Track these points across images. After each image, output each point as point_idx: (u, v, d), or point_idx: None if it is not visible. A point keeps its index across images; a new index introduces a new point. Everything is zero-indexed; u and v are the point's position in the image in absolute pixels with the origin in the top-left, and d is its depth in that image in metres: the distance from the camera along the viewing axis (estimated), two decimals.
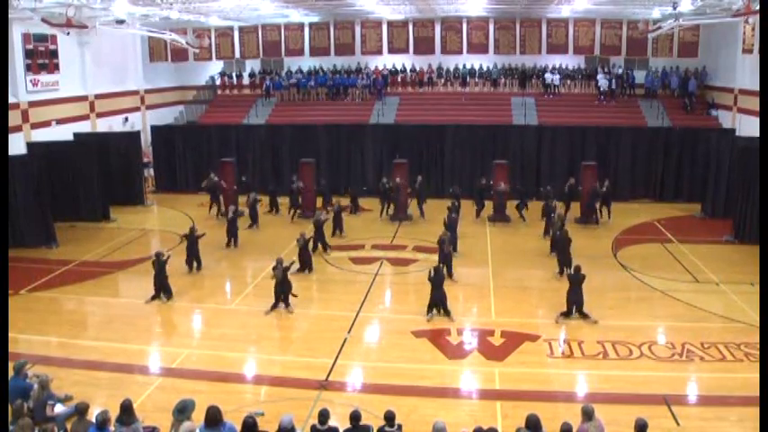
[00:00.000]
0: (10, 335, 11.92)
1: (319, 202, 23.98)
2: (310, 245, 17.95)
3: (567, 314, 13.98)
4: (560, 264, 16.67)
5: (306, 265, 17.23)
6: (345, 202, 23.01)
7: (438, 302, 14.12)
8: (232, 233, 19.61)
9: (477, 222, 22.27)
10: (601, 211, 22.15)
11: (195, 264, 17.40)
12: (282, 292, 14.62)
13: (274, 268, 14.72)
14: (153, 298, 15.24)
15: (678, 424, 9.92)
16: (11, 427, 8.25)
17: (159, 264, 15.15)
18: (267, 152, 27.80)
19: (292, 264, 15.69)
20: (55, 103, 25.94)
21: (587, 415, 8.37)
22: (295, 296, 14.85)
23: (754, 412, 9.52)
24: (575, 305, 13.92)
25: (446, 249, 16.45)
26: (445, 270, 15.55)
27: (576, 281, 13.93)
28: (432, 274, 14.21)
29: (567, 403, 10.48)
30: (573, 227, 20.55)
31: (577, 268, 14.10)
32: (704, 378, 11.56)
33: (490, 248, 19.45)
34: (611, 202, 22.23)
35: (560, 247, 16.88)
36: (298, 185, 22.86)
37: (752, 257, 17.19)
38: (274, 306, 14.60)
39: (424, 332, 13.48)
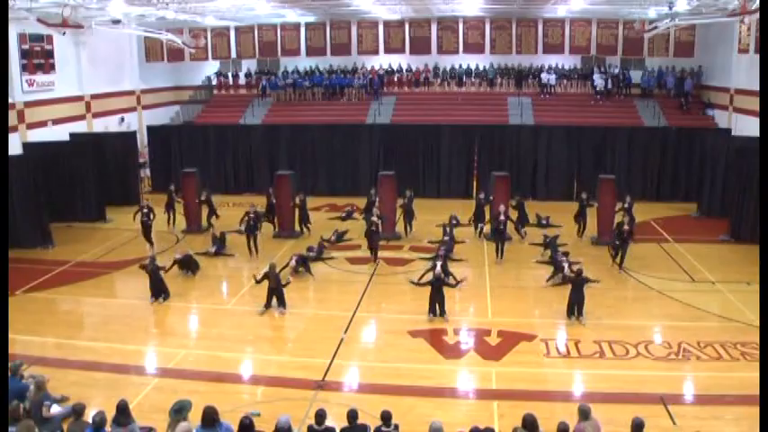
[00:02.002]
0: None
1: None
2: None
3: (569, 314, 13.99)
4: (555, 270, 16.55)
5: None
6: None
7: (437, 303, 14.18)
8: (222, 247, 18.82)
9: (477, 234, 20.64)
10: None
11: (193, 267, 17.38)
12: (277, 294, 14.61)
13: (266, 274, 14.68)
14: (155, 298, 15.26)
15: (674, 423, 9.94)
16: (11, 429, 8.23)
17: (151, 268, 15.19)
18: (264, 152, 27.73)
19: (288, 284, 15.09)
20: (51, 104, 25.88)
21: (584, 414, 8.37)
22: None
23: (750, 411, 9.58)
24: (576, 305, 13.92)
25: (440, 253, 16.64)
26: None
27: (578, 283, 13.93)
28: (432, 278, 14.39)
29: (563, 403, 10.48)
30: (584, 245, 19.46)
31: (579, 272, 14.06)
32: (700, 377, 11.59)
33: (487, 249, 19.43)
34: (634, 223, 18.73)
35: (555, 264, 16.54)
36: (256, 210, 19.08)
37: (748, 257, 17.26)
38: (267, 305, 14.61)
39: (421, 332, 13.49)
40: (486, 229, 20.29)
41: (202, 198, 21.36)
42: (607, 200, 19.72)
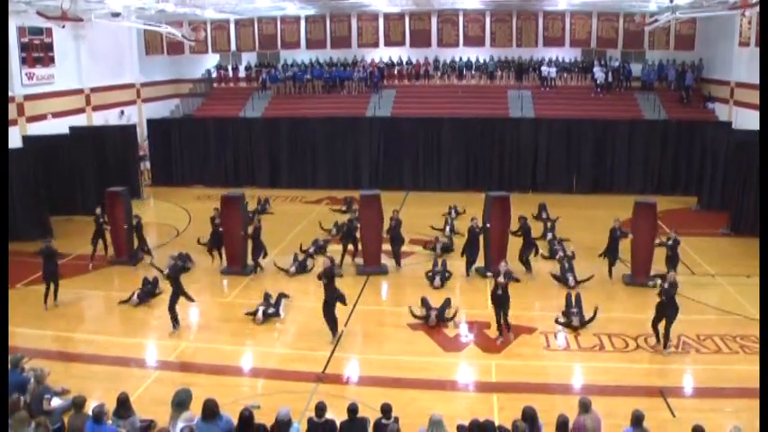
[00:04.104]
0: None
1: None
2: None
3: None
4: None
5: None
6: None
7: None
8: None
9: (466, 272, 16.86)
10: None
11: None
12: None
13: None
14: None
15: (674, 415, 9.97)
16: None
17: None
18: (264, 145, 27.70)
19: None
20: (50, 97, 25.78)
21: (584, 407, 8.39)
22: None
23: (749, 404, 9.62)
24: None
25: (437, 257, 17.12)
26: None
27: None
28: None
29: (563, 395, 10.52)
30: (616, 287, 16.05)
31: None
32: (700, 370, 11.64)
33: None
34: (677, 260, 15.59)
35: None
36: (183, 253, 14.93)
37: (748, 250, 17.26)
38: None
39: (421, 325, 13.50)
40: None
41: (134, 221, 17.86)
42: (645, 231, 15.73)
